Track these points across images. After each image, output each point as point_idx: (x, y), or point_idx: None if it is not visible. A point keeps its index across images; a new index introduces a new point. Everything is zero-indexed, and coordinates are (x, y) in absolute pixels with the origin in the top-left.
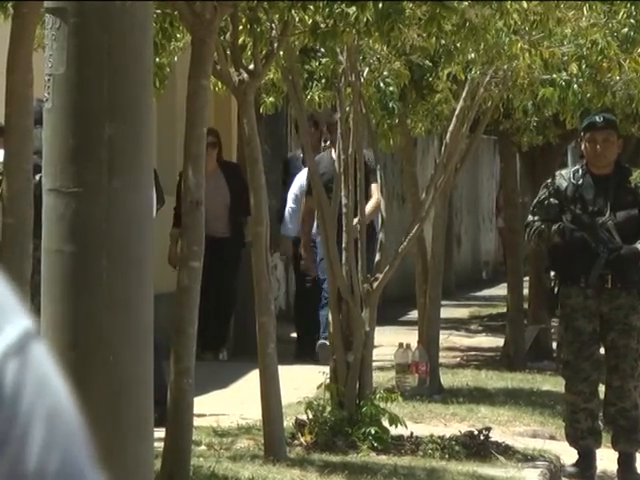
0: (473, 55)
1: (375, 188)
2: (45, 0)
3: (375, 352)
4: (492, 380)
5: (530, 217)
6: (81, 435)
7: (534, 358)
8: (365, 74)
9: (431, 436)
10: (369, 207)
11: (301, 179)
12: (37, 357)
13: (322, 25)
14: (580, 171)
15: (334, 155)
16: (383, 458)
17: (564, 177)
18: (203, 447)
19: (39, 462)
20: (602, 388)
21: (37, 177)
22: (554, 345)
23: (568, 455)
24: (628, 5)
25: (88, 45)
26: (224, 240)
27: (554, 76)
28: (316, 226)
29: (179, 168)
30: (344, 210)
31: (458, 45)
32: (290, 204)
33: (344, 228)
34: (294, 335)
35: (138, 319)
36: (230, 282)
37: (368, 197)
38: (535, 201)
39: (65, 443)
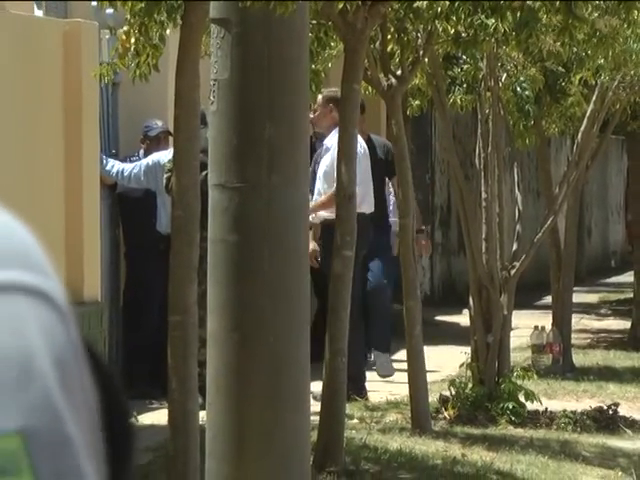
0: (602, 62)
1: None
2: None
3: (512, 334)
4: (620, 359)
5: None
6: None
7: None
8: (503, 79)
9: (564, 411)
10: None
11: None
12: (8, 306)
13: (464, 34)
14: None
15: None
16: (520, 431)
17: None
18: (355, 420)
19: None
20: None
21: (203, 173)
22: None
23: None
24: None
25: (250, 53)
26: None
27: None
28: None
29: None
30: (484, 204)
31: (589, 52)
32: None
33: (483, 220)
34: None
35: (297, 304)
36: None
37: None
38: None
39: None
